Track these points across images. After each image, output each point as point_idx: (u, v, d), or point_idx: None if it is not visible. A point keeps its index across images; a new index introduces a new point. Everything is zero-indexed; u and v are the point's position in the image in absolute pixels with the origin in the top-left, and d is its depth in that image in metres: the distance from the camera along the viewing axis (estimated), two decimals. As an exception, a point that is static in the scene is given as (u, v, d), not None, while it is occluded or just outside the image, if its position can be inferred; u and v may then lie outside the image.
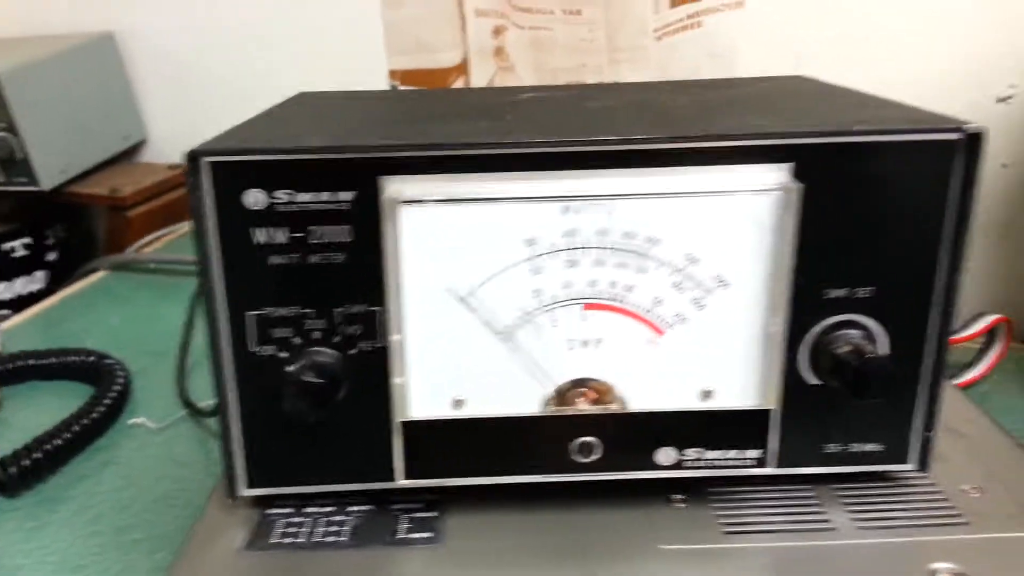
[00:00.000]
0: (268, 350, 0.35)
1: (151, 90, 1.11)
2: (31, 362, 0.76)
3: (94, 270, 0.97)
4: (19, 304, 1.00)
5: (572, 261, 0.35)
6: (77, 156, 1.02)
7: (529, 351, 0.36)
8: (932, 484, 0.40)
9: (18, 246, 1.05)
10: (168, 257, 0.99)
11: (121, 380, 0.73)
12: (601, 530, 0.37)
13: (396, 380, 0.36)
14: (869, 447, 0.38)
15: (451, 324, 0.36)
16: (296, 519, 0.38)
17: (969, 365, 0.63)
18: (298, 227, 0.34)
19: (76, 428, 0.66)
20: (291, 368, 0.35)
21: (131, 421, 0.71)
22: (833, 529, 0.38)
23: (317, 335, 0.35)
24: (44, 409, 0.69)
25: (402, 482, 0.37)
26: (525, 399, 0.37)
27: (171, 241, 1.05)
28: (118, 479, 0.65)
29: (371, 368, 0.36)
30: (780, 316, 0.36)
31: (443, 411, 0.37)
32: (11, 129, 0.93)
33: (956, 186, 0.35)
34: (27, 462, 0.62)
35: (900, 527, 0.38)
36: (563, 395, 0.37)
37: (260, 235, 0.34)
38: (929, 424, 0.38)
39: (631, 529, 0.37)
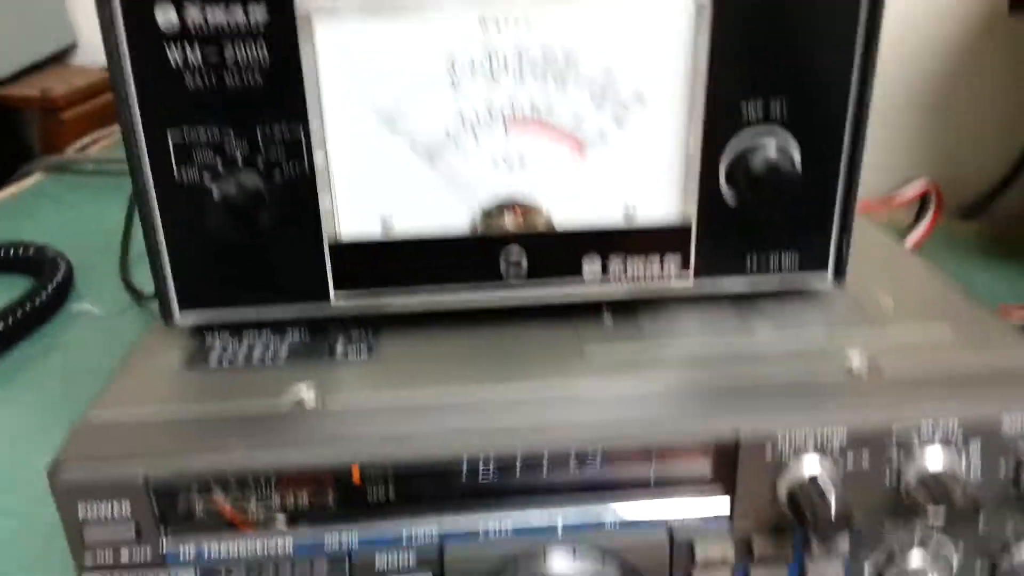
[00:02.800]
0: (191, 174, 0.36)
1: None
2: (-32, 256, 0.75)
3: (30, 173, 0.95)
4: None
5: (493, 78, 0.36)
6: (4, 58, 0.98)
7: (454, 170, 0.37)
8: (847, 295, 0.42)
9: (-51, 154, 1.02)
10: (107, 157, 0.97)
11: (63, 268, 0.73)
12: (530, 343, 0.39)
13: (323, 201, 0.36)
14: (786, 259, 0.40)
15: (375, 144, 0.36)
16: (233, 344, 0.39)
17: (905, 233, 0.65)
18: (212, 45, 0.34)
19: (19, 314, 0.66)
20: (215, 188, 0.35)
21: (75, 307, 0.71)
22: (751, 332, 0.39)
23: (240, 158, 0.36)
24: (-15, 300, 0.69)
25: (335, 302, 0.38)
26: (453, 218, 0.37)
27: (107, 145, 1.03)
28: (63, 361, 0.65)
29: (297, 191, 0.36)
30: (697, 130, 0.37)
31: (372, 231, 0.37)
32: (-67, 28, 0.90)
33: (866, -3, 0.36)
34: (-30, 346, 0.62)
35: (816, 330, 0.39)
36: (490, 215, 0.38)
37: (173, 54, 0.34)
38: (844, 235, 0.40)
39: (560, 340, 0.39)
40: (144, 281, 0.69)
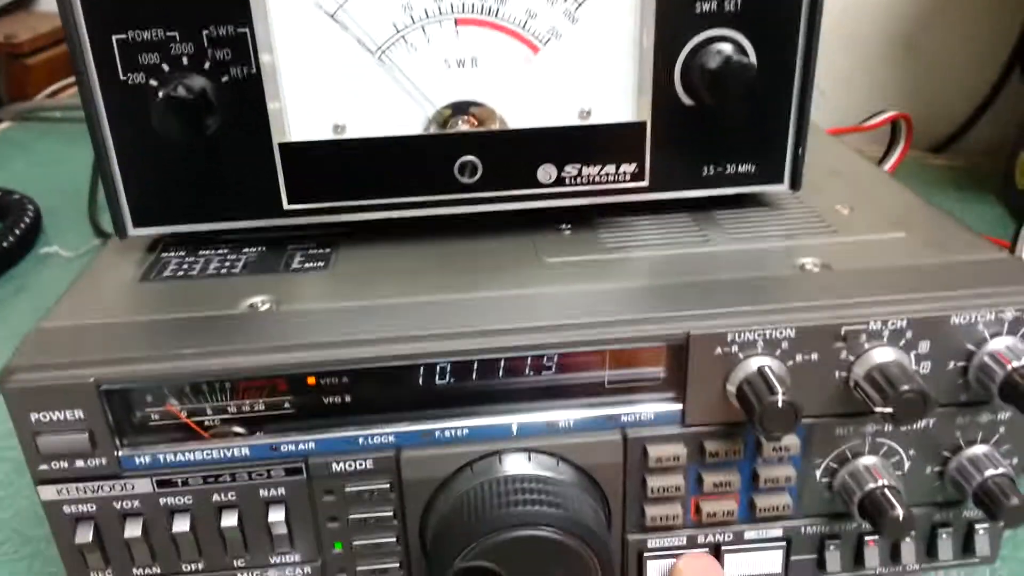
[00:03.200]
0: (137, 78, 0.35)
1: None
2: (-68, 201, 0.74)
3: (-3, 121, 0.94)
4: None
5: (441, -28, 0.35)
6: (-35, 3, 0.97)
7: (406, 71, 0.36)
8: (805, 205, 0.42)
9: (-86, 105, 1.00)
10: (75, 104, 0.95)
11: (31, 212, 0.72)
12: (488, 253, 0.39)
13: (272, 104, 0.36)
14: (743, 168, 0.40)
15: (324, 44, 0.36)
16: (190, 259, 0.38)
17: (878, 164, 0.65)
18: (154, -61, 0.33)
19: (-14, 255, 0.65)
20: (161, 92, 0.34)
21: (44, 250, 0.71)
22: (708, 240, 0.39)
23: (186, 61, 0.35)
24: (-49, 245, 0.68)
25: (288, 208, 0.37)
26: (406, 121, 0.37)
27: (75, 92, 1.02)
28: (32, 302, 0.65)
29: (245, 94, 0.36)
30: (650, 28, 0.36)
31: (323, 134, 0.37)
32: None
33: None
34: (-65, 286, 0.61)
35: (772, 237, 0.39)
36: (445, 120, 0.37)
37: (116, -49, 0.33)
38: (799, 142, 0.39)
39: (518, 250, 0.39)
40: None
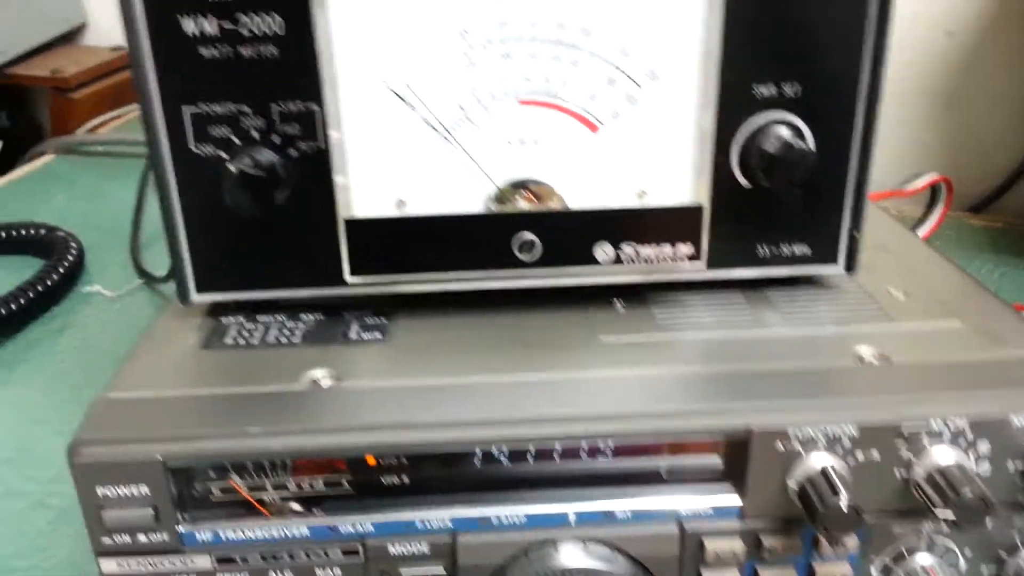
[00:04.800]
0: (207, 149, 0.36)
1: (90, -30, 1.07)
2: (-20, 235, 0.75)
3: (42, 153, 0.95)
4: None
5: (506, 54, 0.36)
6: (16, 38, 0.99)
7: (468, 149, 0.37)
8: (860, 287, 0.42)
9: (-40, 134, 1.02)
10: (118, 137, 0.97)
11: (74, 250, 0.73)
12: (543, 328, 0.39)
13: (338, 179, 0.36)
14: (798, 249, 0.40)
15: (390, 121, 0.36)
16: (249, 326, 0.39)
17: (916, 227, 0.65)
18: (228, 17, 0.34)
19: (30, 294, 0.66)
20: (231, 164, 0.35)
21: (87, 289, 0.71)
22: (763, 323, 0.39)
23: (256, 134, 0.36)
24: (-3, 281, 0.69)
25: (350, 281, 0.38)
26: (467, 198, 0.37)
27: (118, 125, 1.03)
28: (76, 342, 0.65)
29: (313, 169, 0.36)
30: (710, 111, 0.37)
31: (387, 210, 0.37)
32: (-56, 6, 0.90)
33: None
34: (-17, 324, 0.62)
35: (827, 322, 0.39)
36: (504, 195, 0.38)
37: (190, 25, 0.34)
38: (855, 225, 0.40)
39: (572, 326, 0.39)
40: (154, 263, 0.70)
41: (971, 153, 0.87)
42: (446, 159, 0.37)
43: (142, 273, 0.71)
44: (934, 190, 0.68)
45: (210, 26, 0.34)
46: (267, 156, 0.35)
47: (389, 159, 0.37)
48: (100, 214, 0.83)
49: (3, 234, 0.76)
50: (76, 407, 0.57)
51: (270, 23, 0.34)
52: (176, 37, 0.34)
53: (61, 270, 0.70)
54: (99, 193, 0.89)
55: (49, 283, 0.69)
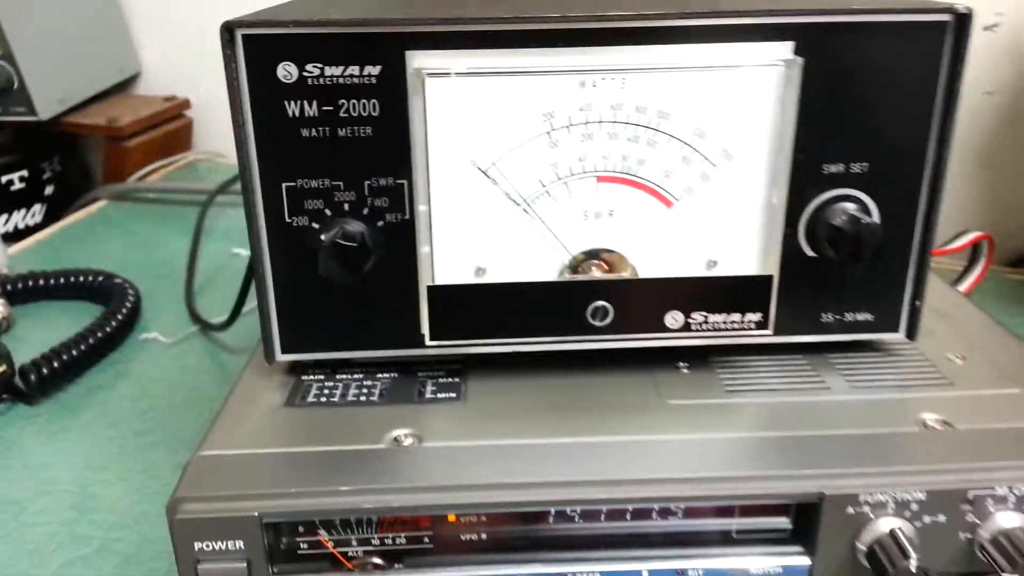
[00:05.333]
0: (301, 221, 0.38)
1: (146, 23, 1.11)
2: (41, 282, 0.78)
3: (94, 200, 0.98)
4: (16, 238, 1.01)
5: (587, 135, 0.38)
6: (74, 87, 1.02)
7: (546, 221, 0.38)
8: (919, 353, 0.43)
9: (15, 179, 1.05)
10: (170, 186, 1.00)
11: (132, 296, 0.75)
12: (612, 391, 0.40)
13: (423, 249, 0.38)
14: (861, 316, 0.41)
15: (474, 195, 0.38)
16: (329, 383, 0.40)
17: (956, 282, 0.66)
18: (328, 100, 0.36)
19: (91, 340, 0.68)
20: (324, 235, 0.37)
21: (143, 336, 0.73)
22: (827, 388, 0.40)
23: (347, 207, 0.38)
24: (55, 327, 0.71)
25: (429, 344, 0.39)
26: (543, 267, 0.39)
27: (169, 172, 1.06)
28: (134, 389, 0.67)
29: (398, 238, 0.38)
30: (781, 188, 0.38)
31: (466, 278, 0.39)
32: (8, 58, 0.94)
33: (945, 65, 0.37)
34: (46, 371, 0.64)
35: (890, 387, 0.40)
36: (578, 265, 0.39)
37: (292, 108, 0.36)
38: (917, 294, 0.41)
39: (639, 389, 0.40)
40: (207, 310, 0.72)
41: (1006, 209, 0.88)
42: (525, 230, 0.39)
43: (197, 320, 0.73)
44: (975, 247, 0.69)
45: (312, 109, 0.36)
46: (356, 227, 0.37)
47: (470, 230, 0.38)
48: (153, 260, 0.86)
49: (63, 280, 0.78)
50: (136, 454, 0.59)
51: (367, 107, 0.36)
52: (279, 119, 0.36)
53: (120, 316, 0.72)
54: (152, 240, 0.91)
55: (108, 329, 0.70)
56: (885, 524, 0.34)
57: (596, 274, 0.39)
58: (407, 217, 0.38)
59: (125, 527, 0.53)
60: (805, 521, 0.35)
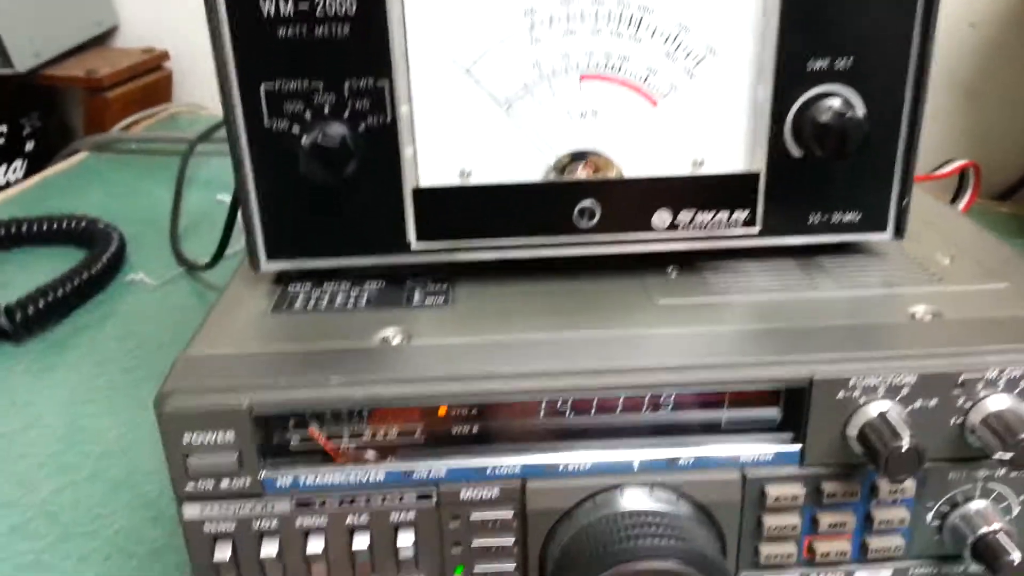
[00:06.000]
0: (281, 124, 0.37)
1: (122, -27, 1.09)
2: (24, 227, 0.77)
3: (75, 151, 0.97)
4: (-2, 195, 1.00)
5: (570, 31, 0.37)
6: (51, 39, 1.01)
7: (531, 121, 0.38)
8: (906, 254, 0.43)
9: (-6, 134, 1.04)
10: (152, 135, 0.99)
11: (117, 239, 0.75)
12: (601, 295, 0.40)
13: (406, 150, 0.38)
14: (848, 216, 0.41)
15: (457, 95, 0.38)
16: (315, 292, 0.40)
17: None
18: (303, -3, 0.36)
19: (76, 280, 0.68)
20: (305, 137, 0.36)
21: (129, 277, 0.73)
22: (816, 287, 0.40)
23: (327, 109, 0.37)
24: (40, 271, 0.71)
25: (416, 248, 0.39)
26: (528, 168, 0.39)
27: (150, 125, 1.05)
28: (120, 328, 0.67)
29: (381, 141, 0.38)
30: (767, 83, 0.38)
31: (451, 180, 0.39)
32: (-18, 8, 0.92)
33: (929, -43, 0.37)
34: (31, 310, 0.64)
35: (879, 284, 0.41)
36: (564, 167, 0.39)
37: (267, 6, 0.35)
38: (904, 191, 0.41)
39: (629, 291, 0.40)
40: (193, 252, 0.71)
41: (992, 142, 0.88)
42: (508, 131, 0.38)
43: (182, 261, 0.72)
44: (962, 176, 0.69)
45: (286, 6, 0.35)
46: (337, 129, 0.37)
47: (454, 131, 0.38)
48: (137, 209, 0.85)
49: (45, 226, 0.77)
50: (123, 390, 0.59)
51: (344, 4, 0.35)
52: (254, 18, 0.36)
53: (105, 258, 0.72)
54: (134, 189, 0.90)
55: (94, 270, 0.70)
56: (875, 408, 0.34)
57: (581, 175, 0.39)
58: (389, 120, 0.37)
59: (112, 456, 0.53)
60: (794, 410, 0.35)
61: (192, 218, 0.80)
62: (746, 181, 0.39)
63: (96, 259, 0.71)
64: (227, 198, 0.67)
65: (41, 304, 0.65)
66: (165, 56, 1.08)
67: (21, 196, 0.89)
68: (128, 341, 0.65)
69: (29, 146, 1.08)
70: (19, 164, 1.07)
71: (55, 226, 0.77)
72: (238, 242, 0.66)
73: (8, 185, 1.04)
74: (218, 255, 0.66)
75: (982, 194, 0.83)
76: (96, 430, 0.55)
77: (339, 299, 0.39)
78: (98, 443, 0.54)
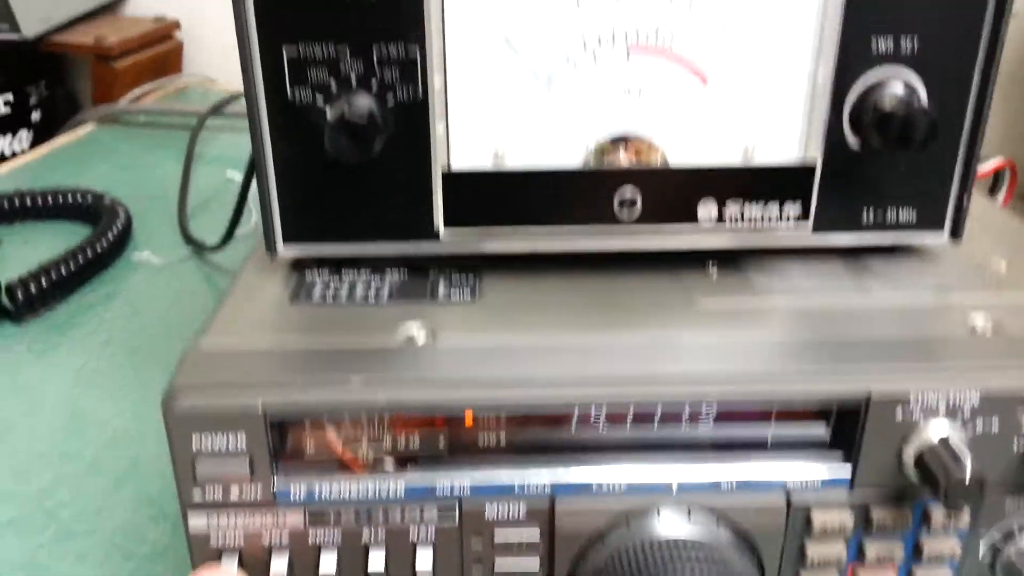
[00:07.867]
0: (304, 95, 0.34)
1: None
2: (28, 201, 0.74)
3: (82, 122, 0.94)
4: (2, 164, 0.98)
5: None
6: (59, 4, 0.98)
7: (572, 98, 0.35)
8: (960, 257, 0.41)
9: (0, 103, 1.01)
10: (161, 108, 0.96)
11: (123, 216, 0.72)
12: (636, 291, 0.37)
13: (438, 126, 0.35)
14: (904, 213, 0.38)
15: (493, 68, 0.35)
16: (334, 282, 0.37)
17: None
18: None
19: (81, 258, 0.65)
20: (330, 109, 0.33)
21: (135, 256, 0.71)
22: (867, 291, 0.38)
23: (354, 80, 0.34)
24: (44, 247, 0.69)
25: (443, 231, 0.36)
26: (566, 151, 0.36)
27: (159, 97, 1.02)
28: (126, 308, 0.65)
29: (411, 116, 0.35)
30: (828, 63, 0.35)
31: (484, 162, 0.36)
32: (-12, -29, 0.89)
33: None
34: (34, 288, 0.61)
35: (933, 290, 0.38)
36: (604, 150, 0.36)
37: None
38: (963, 189, 0.38)
39: (667, 290, 0.37)
40: (200, 232, 0.69)
41: (1029, 140, 0.85)
42: (547, 110, 0.35)
43: (190, 241, 0.70)
44: (997, 175, 0.66)
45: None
46: (365, 102, 0.34)
47: (489, 107, 0.35)
48: (144, 183, 0.82)
49: (50, 200, 0.75)
50: (128, 373, 0.57)
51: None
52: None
53: (111, 236, 0.69)
54: (141, 163, 0.88)
55: (99, 249, 0.67)
56: (935, 430, 0.31)
57: (622, 160, 0.36)
58: (420, 95, 0.35)
59: (115, 446, 0.51)
60: (846, 428, 0.32)
61: (202, 195, 0.78)
62: (801, 172, 0.36)
63: (102, 236, 0.68)
64: (237, 176, 0.64)
65: (44, 282, 0.62)
66: (176, 26, 1.05)
67: (26, 168, 0.87)
68: (133, 321, 0.63)
69: (36, 116, 1.05)
70: (24, 135, 1.04)
71: (60, 200, 0.75)
72: (247, 223, 0.63)
73: (13, 155, 1.01)
74: (227, 236, 0.64)
75: (1017, 195, 0.81)
76: (98, 416, 0.53)
77: (359, 290, 0.37)
78: (102, 430, 0.52)
